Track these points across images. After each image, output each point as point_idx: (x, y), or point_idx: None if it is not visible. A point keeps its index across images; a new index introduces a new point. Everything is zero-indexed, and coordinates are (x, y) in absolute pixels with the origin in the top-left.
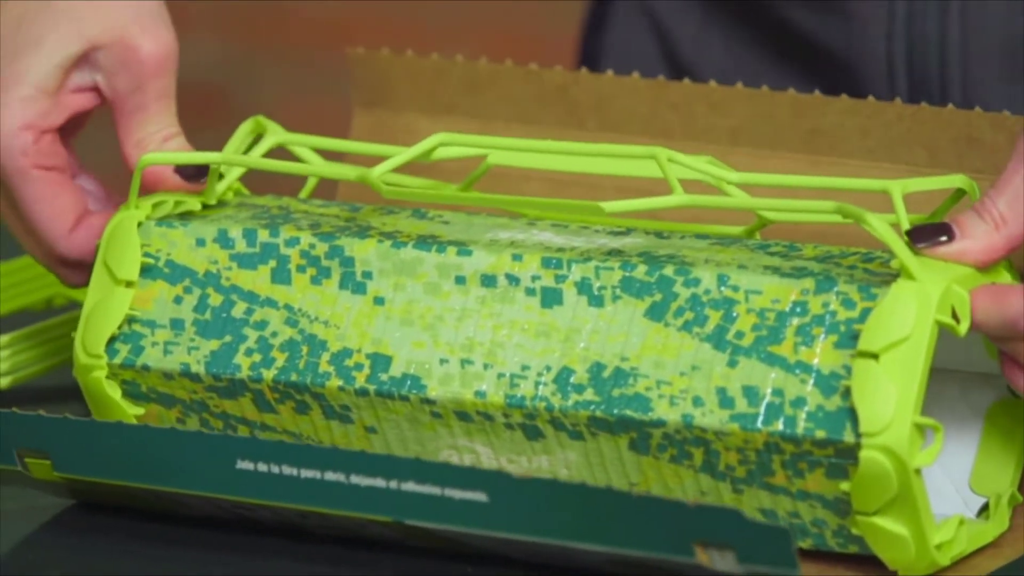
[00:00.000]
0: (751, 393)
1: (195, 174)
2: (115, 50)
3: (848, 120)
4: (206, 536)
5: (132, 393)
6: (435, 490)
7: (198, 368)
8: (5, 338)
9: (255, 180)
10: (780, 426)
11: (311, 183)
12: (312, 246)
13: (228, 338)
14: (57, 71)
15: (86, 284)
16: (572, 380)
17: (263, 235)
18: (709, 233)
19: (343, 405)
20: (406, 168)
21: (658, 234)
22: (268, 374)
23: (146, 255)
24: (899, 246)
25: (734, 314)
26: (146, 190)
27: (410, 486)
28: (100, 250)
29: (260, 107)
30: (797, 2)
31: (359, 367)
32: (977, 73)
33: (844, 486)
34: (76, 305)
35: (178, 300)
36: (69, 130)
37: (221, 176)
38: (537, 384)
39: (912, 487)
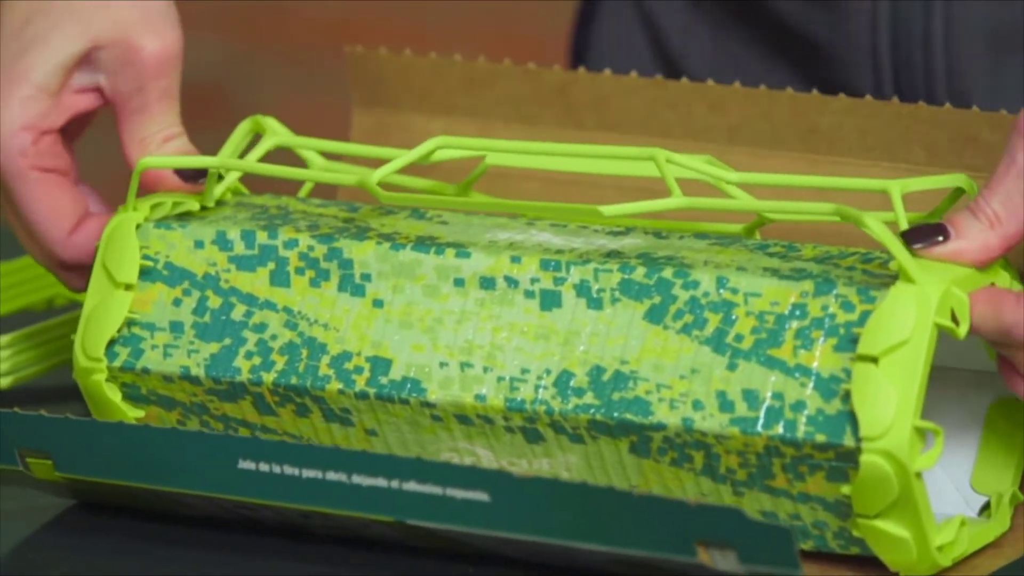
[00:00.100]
0: (751, 396)
1: (194, 175)
2: (117, 50)
3: (846, 119)
4: (207, 536)
5: (132, 396)
6: (437, 490)
7: (198, 371)
8: (6, 338)
9: (254, 178)
10: (780, 430)
11: (309, 184)
12: (311, 248)
13: (228, 341)
14: (59, 71)
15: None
16: (572, 383)
17: (261, 237)
18: (708, 232)
19: (343, 408)
20: (405, 171)
21: (657, 234)
22: (268, 377)
23: (145, 257)
24: (898, 248)
25: (733, 317)
26: (146, 190)
27: (412, 486)
28: (99, 252)
29: (260, 107)
30: None
31: (359, 370)
32: (961, 65)
33: (845, 489)
34: (77, 305)
35: (177, 302)
36: (71, 132)
37: (220, 177)
38: (537, 387)
39: (913, 490)
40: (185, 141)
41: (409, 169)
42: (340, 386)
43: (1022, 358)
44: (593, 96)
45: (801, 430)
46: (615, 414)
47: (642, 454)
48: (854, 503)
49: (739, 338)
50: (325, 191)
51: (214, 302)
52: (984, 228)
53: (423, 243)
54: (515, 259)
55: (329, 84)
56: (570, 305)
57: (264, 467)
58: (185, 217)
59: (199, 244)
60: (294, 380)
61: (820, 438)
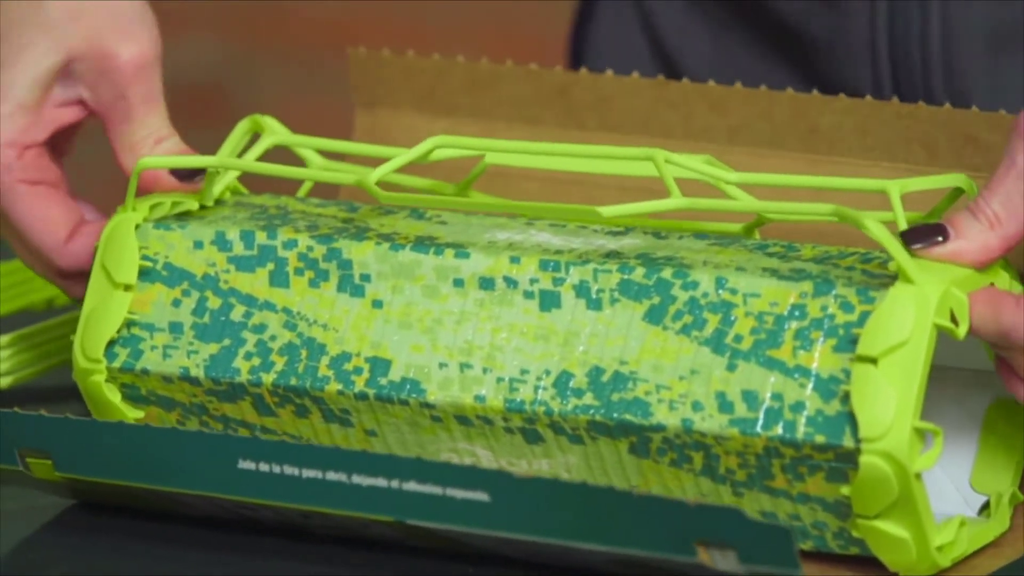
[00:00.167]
0: (750, 397)
1: (190, 174)
2: (93, 60)
3: (846, 119)
4: (207, 536)
5: (132, 396)
6: (437, 490)
7: (197, 372)
8: (6, 338)
9: (254, 177)
10: (780, 430)
11: (308, 183)
12: (310, 248)
13: (227, 342)
14: (37, 86)
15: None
16: (571, 384)
17: (261, 237)
18: (707, 232)
19: (343, 409)
20: (404, 170)
21: (656, 234)
22: (267, 378)
23: (144, 258)
24: (897, 249)
25: (732, 317)
26: (142, 191)
27: (412, 486)
28: (98, 253)
29: (260, 107)
30: None
31: (358, 371)
32: (960, 63)
33: (844, 490)
34: (77, 305)
35: (176, 303)
36: (58, 145)
37: (218, 172)
38: (536, 388)
39: (913, 491)
40: (177, 141)
41: (408, 169)
42: (339, 387)
43: (1021, 360)
44: (594, 97)
45: (800, 431)
46: (614, 415)
47: (642, 455)
48: (854, 504)
49: (738, 339)
50: (325, 190)
51: (213, 303)
52: (984, 229)
53: (422, 243)
54: (514, 259)
55: (329, 84)
56: (569, 306)
57: (264, 467)
58: (184, 217)
59: (198, 244)
60: (293, 381)
61: (819, 439)
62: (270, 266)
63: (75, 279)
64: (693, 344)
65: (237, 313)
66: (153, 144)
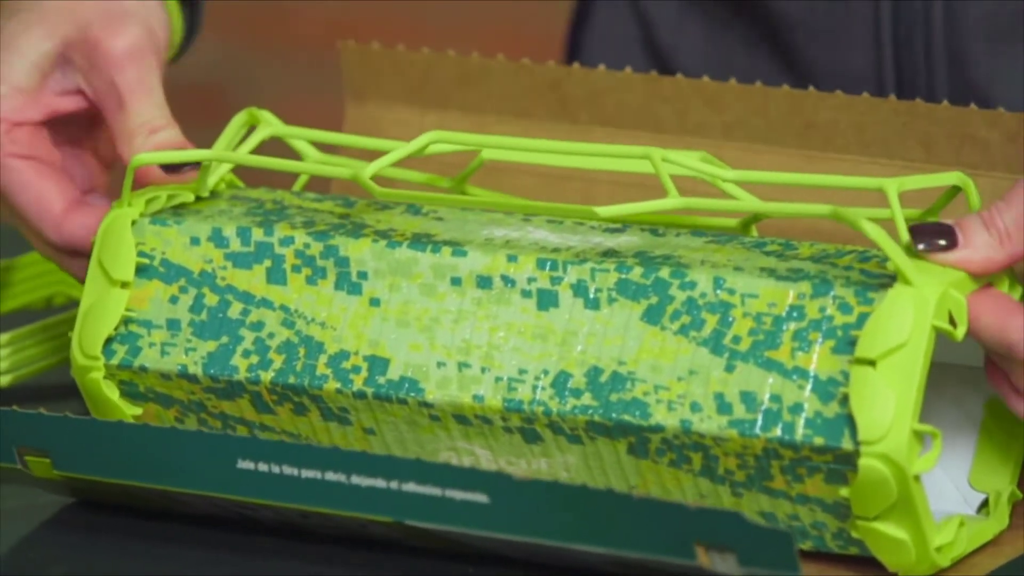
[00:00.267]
0: (749, 399)
1: (176, 167)
2: (84, 50)
3: (843, 116)
4: (207, 535)
5: (130, 393)
6: (436, 491)
7: (195, 369)
8: (5, 336)
9: (249, 171)
10: (778, 432)
11: (304, 176)
12: (307, 245)
13: (225, 339)
14: (33, 70)
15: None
16: (570, 384)
17: (257, 234)
18: (705, 229)
19: (341, 407)
20: (400, 164)
21: (653, 231)
22: (266, 376)
23: (141, 254)
24: (895, 251)
25: (730, 318)
26: (135, 184)
27: (411, 487)
28: (94, 249)
29: (259, 106)
30: None
31: (356, 370)
32: (963, 46)
33: (843, 492)
34: (76, 303)
35: (174, 300)
36: (71, 133)
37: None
38: (535, 388)
39: (912, 493)
40: (174, 133)
41: (403, 162)
42: (338, 385)
43: (1020, 371)
44: (587, 91)
45: (799, 433)
46: (613, 415)
47: (640, 455)
48: (853, 505)
49: (737, 340)
50: (320, 182)
51: (211, 299)
52: (993, 243)
53: (419, 241)
54: (512, 258)
55: (328, 83)
56: (567, 305)
57: (263, 467)
58: (180, 213)
59: (195, 241)
60: (292, 379)
61: (818, 441)
62: (267, 263)
63: (72, 256)
64: (691, 344)
65: (235, 310)
66: (147, 134)
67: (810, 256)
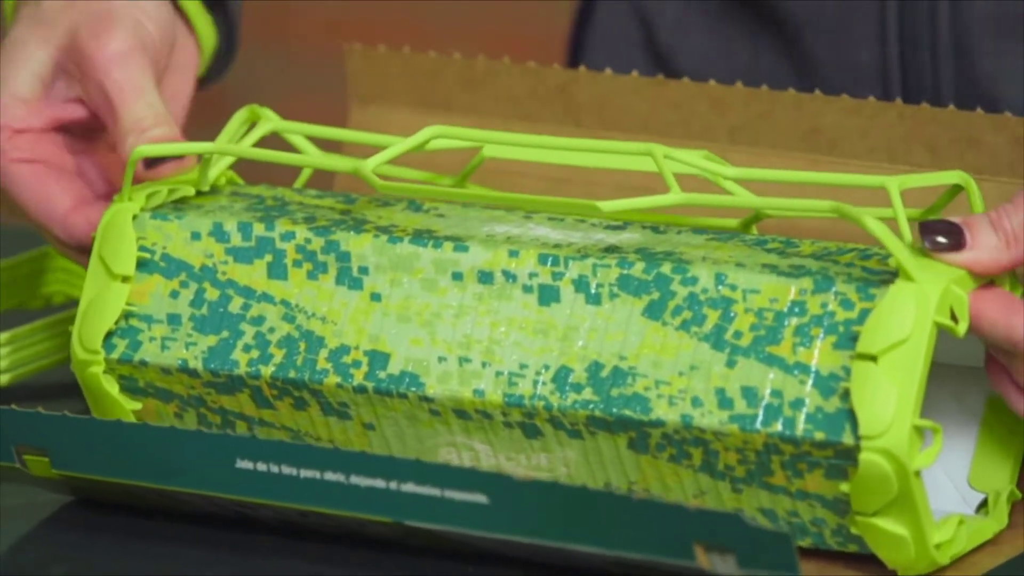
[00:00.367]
0: (750, 394)
1: (155, 162)
2: (76, 56)
3: (848, 120)
4: (206, 534)
5: (129, 388)
6: (435, 491)
7: (196, 364)
8: (4, 335)
9: (250, 170)
10: (779, 427)
11: (306, 172)
12: (308, 240)
13: (225, 334)
14: (33, 79)
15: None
16: (570, 379)
17: (258, 229)
18: (706, 227)
19: (341, 402)
20: (401, 162)
21: (655, 229)
22: (266, 371)
23: (142, 249)
24: (897, 247)
25: (732, 313)
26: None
27: (410, 487)
28: (95, 244)
29: (260, 105)
30: None
31: (357, 364)
32: (968, 46)
33: (843, 487)
34: (75, 303)
35: (175, 294)
36: (81, 135)
37: (211, 157)
38: (535, 383)
39: (912, 489)
40: (165, 130)
41: (406, 163)
42: (338, 380)
43: (1022, 368)
44: (593, 95)
45: (800, 428)
46: (614, 410)
47: (640, 450)
48: (853, 501)
49: (738, 335)
50: (321, 182)
51: (211, 294)
52: (1000, 246)
53: (420, 236)
54: (513, 253)
55: (329, 83)
56: (568, 300)
57: (262, 467)
58: (181, 208)
59: (196, 236)
60: (292, 373)
61: (819, 436)
62: (268, 258)
63: (83, 253)
64: (693, 340)
65: (235, 305)
66: (139, 133)
67: (812, 253)
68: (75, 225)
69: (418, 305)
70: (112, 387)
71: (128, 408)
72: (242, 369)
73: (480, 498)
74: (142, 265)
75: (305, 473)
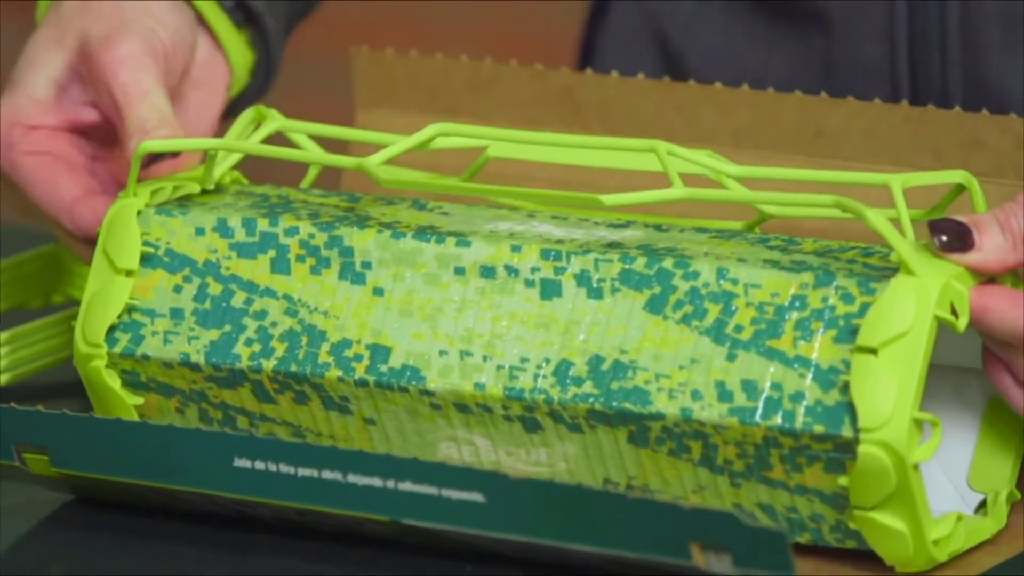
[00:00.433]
0: (750, 387)
1: (150, 160)
2: (87, 62)
3: (853, 122)
4: (205, 532)
5: (131, 382)
6: (432, 490)
7: (198, 358)
8: (4, 335)
9: (255, 170)
10: (779, 420)
11: (312, 173)
12: (311, 236)
13: (228, 328)
14: (49, 83)
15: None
16: (571, 373)
17: (262, 224)
18: (708, 227)
19: (342, 396)
20: (405, 162)
21: (657, 227)
22: (268, 364)
23: (146, 244)
24: (898, 241)
25: (733, 308)
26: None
27: (407, 486)
28: (100, 239)
29: (265, 106)
30: None
31: (358, 358)
32: (977, 39)
33: (842, 481)
34: (75, 302)
35: (178, 289)
36: (98, 138)
37: (216, 155)
38: (536, 376)
39: (910, 482)
40: (168, 131)
41: (410, 164)
42: (339, 373)
43: (1021, 362)
44: (599, 98)
45: (799, 420)
46: (614, 403)
47: (640, 444)
48: (851, 495)
49: (739, 329)
50: (327, 183)
51: (215, 289)
52: (1007, 247)
53: (424, 232)
54: (516, 248)
55: (332, 84)
56: (570, 294)
57: (260, 465)
58: (186, 204)
59: (200, 231)
60: (294, 367)
61: (818, 429)
62: (271, 253)
63: (89, 245)
64: (693, 334)
65: (238, 299)
66: (142, 135)
67: (813, 250)
68: (82, 215)
69: (420, 299)
70: (114, 381)
71: (130, 403)
72: (244, 363)
73: (477, 497)
74: (146, 260)
75: (303, 472)
